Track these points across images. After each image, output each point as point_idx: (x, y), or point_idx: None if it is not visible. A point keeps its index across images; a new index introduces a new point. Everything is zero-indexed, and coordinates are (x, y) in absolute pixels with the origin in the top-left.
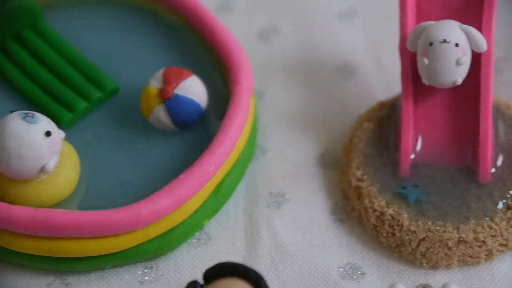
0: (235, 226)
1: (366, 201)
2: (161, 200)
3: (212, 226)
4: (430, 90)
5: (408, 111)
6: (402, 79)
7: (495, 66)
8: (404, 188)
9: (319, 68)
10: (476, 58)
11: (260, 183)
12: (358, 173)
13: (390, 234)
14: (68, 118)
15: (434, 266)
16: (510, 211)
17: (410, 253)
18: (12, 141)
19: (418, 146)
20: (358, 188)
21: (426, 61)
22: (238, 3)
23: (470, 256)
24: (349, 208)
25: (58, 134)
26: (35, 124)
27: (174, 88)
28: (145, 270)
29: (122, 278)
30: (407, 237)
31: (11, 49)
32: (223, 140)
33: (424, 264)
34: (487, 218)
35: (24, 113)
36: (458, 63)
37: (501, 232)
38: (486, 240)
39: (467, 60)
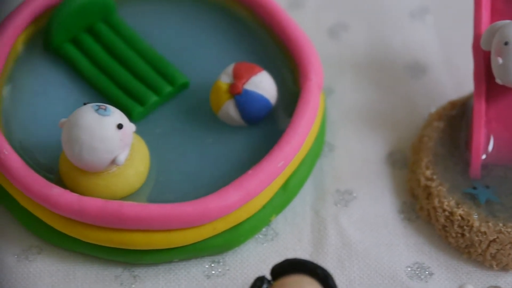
0: (302, 222)
1: (436, 200)
2: (230, 195)
3: (279, 222)
4: (503, 90)
5: (480, 111)
6: (475, 78)
7: None
8: (474, 188)
9: (389, 66)
10: None
11: (328, 180)
12: (428, 172)
13: (459, 235)
14: (138, 112)
15: (505, 268)
16: None
17: (480, 254)
18: (85, 133)
19: (490, 147)
20: (427, 187)
21: (500, 60)
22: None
23: None
24: (417, 207)
25: (130, 127)
26: (107, 117)
27: (244, 83)
28: (212, 264)
29: (189, 272)
30: (477, 238)
31: (84, 42)
32: (292, 137)
33: (494, 266)
34: None
35: (97, 105)
36: None
37: None
38: None
39: None
